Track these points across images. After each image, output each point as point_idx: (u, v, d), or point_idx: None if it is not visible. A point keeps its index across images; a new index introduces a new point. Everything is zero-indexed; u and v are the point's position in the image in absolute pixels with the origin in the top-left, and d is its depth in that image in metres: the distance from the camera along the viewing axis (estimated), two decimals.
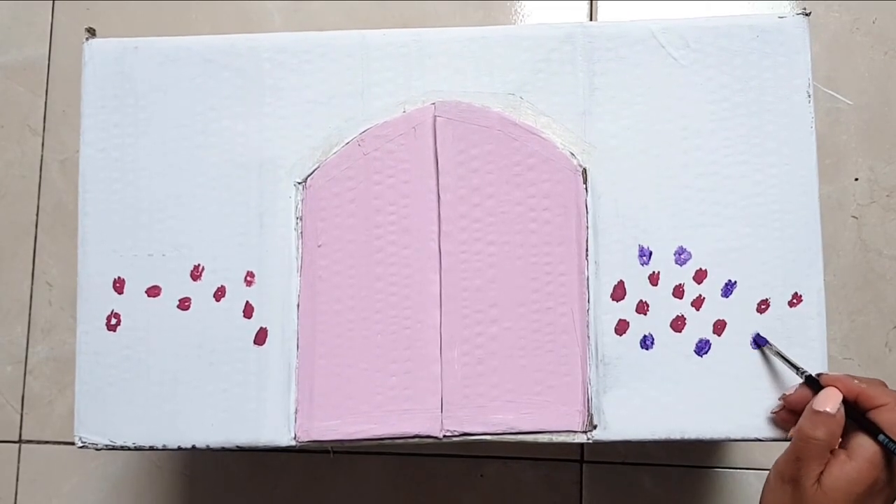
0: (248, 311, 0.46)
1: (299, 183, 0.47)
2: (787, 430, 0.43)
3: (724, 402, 0.44)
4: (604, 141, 0.46)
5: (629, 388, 0.45)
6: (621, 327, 0.45)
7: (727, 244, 0.45)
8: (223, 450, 0.46)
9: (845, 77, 0.67)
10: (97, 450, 0.46)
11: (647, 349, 0.45)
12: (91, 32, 0.48)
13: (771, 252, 0.45)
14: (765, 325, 0.45)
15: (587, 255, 0.45)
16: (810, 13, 0.46)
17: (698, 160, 0.46)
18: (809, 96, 0.46)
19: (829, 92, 0.67)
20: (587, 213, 0.46)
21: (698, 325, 0.45)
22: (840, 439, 0.40)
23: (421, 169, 0.46)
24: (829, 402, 0.40)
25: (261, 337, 0.46)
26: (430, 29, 0.47)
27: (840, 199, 0.66)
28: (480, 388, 0.45)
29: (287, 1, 0.71)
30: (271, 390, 0.45)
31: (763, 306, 0.45)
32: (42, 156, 0.72)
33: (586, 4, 0.70)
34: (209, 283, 0.46)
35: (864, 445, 0.39)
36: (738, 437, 0.44)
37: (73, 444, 0.46)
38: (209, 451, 0.48)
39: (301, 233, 0.46)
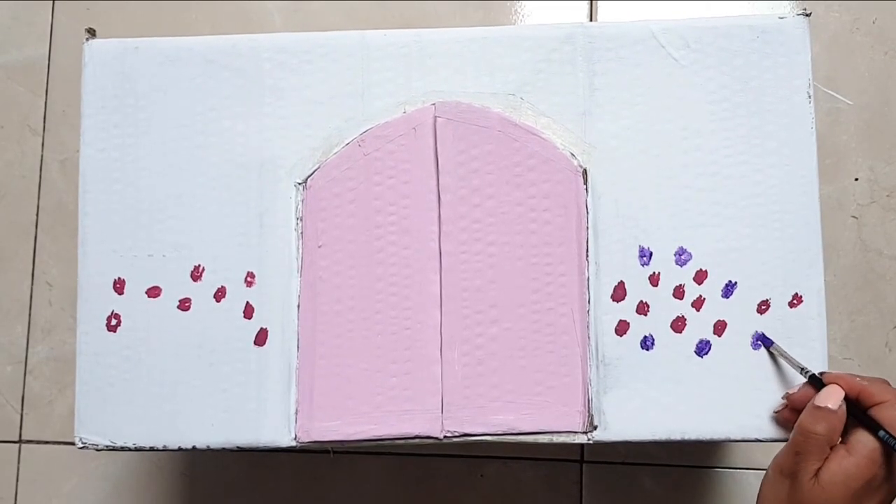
0: (248, 312, 0.46)
1: (299, 183, 0.47)
2: (789, 429, 0.43)
3: (724, 402, 0.44)
4: (604, 141, 0.46)
5: (629, 388, 0.45)
6: (622, 328, 0.45)
7: (727, 244, 0.45)
8: (223, 450, 0.46)
9: (845, 77, 0.67)
10: (97, 450, 0.46)
11: (647, 350, 0.45)
12: (91, 33, 0.48)
13: (771, 252, 0.45)
14: (765, 326, 0.45)
15: (587, 256, 0.45)
16: (810, 13, 0.46)
17: (698, 160, 0.46)
18: (809, 96, 0.46)
19: (829, 92, 0.67)
20: (587, 213, 0.46)
21: (699, 326, 0.45)
22: (840, 436, 0.40)
23: (421, 169, 0.46)
24: (831, 398, 0.40)
25: (261, 337, 0.46)
26: (430, 29, 0.47)
27: (840, 199, 0.66)
28: (481, 388, 0.45)
29: (287, 1, 0.71)
30: (271, 391, 0.45)
31: (763, 307, 0.45)
32: (42, 156, 0.72)
33: (586, 4, 0.70)
34: (209, 283, 0.46)
35: (863, 441, 0.39)
36: (739, 437, 0.44)
37: (73, 444, 0.46)
38: (209, 452, 0.48)
39: (301, 233, 0.46)
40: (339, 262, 0.46)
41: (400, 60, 0.47)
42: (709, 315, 0.45)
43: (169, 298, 0.46)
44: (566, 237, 0.46)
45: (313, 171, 0.47)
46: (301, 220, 0.46)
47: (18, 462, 0.70)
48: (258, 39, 0.47)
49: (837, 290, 0.65)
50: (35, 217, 0.72)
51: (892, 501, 0.41)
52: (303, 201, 0.46)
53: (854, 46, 0.68)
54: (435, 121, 0.46)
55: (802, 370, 0.43)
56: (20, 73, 0.73)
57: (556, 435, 0.45)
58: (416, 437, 0.45)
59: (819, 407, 0.40)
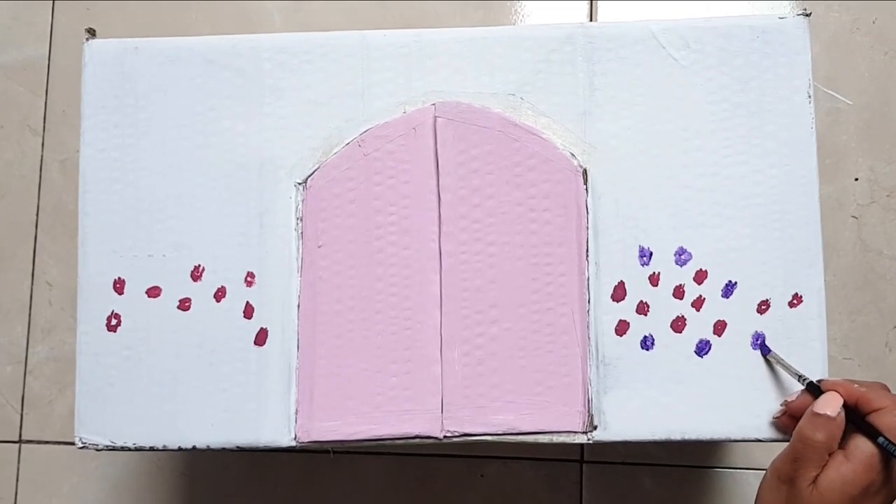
0: (248, 312, 0.46)
1: (299, 183, 0.47)
2: (788, 434, 0.43)
3: (724, 402, 0.44)
4: (604, 141, 0.46)
5: (629, 388, 0.45)
6: (622, 328, 0.45)
7: (727, 244, 0.45)
8: (223, 450, 0.46)
9: (845, 77, 0.67)
10: (97, 450, 0.46)
11: (647, 350, 0.45)
12: (91, 33, 0.48)
13: (771, 252, 0.45)
14: (765, 326, 0.45)
15: (587, 256, 0.45)
16: (810, 13, 0.46)
17: (698, 160, 0.46)
18: (809, 96, 0.46)
19: (829, 92, 0.67)
20: (587, 213, 0.46)
21: (698, 326, 0.45)
22: (839, 442, 0.40)
23: (421, 169, 0.46)
24: (830, 405, 0.40)
25: (261, 337, 0.46)
26: (430, 29, 0.47)
27: (840, 199, 0.66)
28: (481, 388, 0.45)
29: (287, 1, 0.71)
30: (271, 391, 0.45)
31: (763, 307, 0.45)
32: (42, 156, 0.72)
33: (586, 4, 0.70)
34: (209, 283, 0.46)
35: (861, 447, 0.39)
36: (739, 437, 0.44)
37: (73, 444, 0.46)
38: (209, 452, 0.48)
39: (301, 233, 0.46)
40: (339, 262, 0.46)
41: (400, 60, 0.47)
42: (709, 315, 0.45)
43: (169, 298, 0.46)
44: (566, 237, 0.46)
45: (313, 171, 0.47)
46: (301, 220, 0.46)
47: (18, 462, 0.70)
48: (258, 39, 0.47)
49: (837, 290, 0.65)
50: (35, 217, 0.72)
51: None
52: (303, 201, 0.46)
53: (854, 46, 0.68)
54: (435, 121, 0.46)
55: (800, 378, 0.42)
56: (20, 73, 0.73)
57: (556, 435, 0.45)
58: (416, 437, 0.45)
59: (818, 414, 0.40)
